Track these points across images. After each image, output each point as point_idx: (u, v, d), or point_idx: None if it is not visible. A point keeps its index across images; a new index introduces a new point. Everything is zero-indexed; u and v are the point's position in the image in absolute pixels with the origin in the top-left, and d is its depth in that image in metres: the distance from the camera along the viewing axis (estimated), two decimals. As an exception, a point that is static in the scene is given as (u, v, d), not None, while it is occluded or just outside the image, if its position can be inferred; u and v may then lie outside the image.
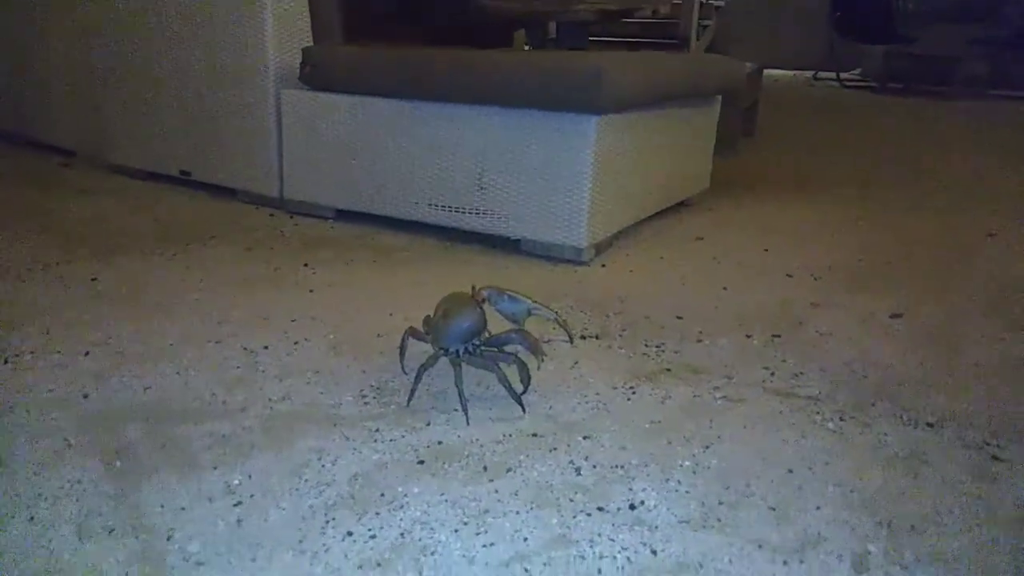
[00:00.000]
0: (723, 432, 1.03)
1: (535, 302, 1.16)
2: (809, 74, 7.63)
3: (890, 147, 3.75)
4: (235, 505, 0.84)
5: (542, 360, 1.10)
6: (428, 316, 1.13)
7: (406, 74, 1.80)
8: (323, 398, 1.07)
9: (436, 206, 1.85)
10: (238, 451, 0.94)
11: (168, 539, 0.78)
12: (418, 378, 1.04)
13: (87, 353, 1.19)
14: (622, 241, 1.88)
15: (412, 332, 1.12)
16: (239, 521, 0.81)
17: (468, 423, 1.01)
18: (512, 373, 1.05)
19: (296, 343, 1.25)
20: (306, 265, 1.65)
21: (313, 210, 2.04)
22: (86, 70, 2.44)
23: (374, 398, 1.08)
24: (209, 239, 1.81)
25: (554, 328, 1.29)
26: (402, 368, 1.14)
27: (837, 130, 4.31)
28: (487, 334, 1.08)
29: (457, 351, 1.04)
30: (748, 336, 1.36)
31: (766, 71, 4.38)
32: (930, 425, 1.08)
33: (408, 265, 1.69)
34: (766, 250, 1.86)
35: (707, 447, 0.99)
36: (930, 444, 1.03)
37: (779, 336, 1.36)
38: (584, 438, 1.00)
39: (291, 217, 2.03)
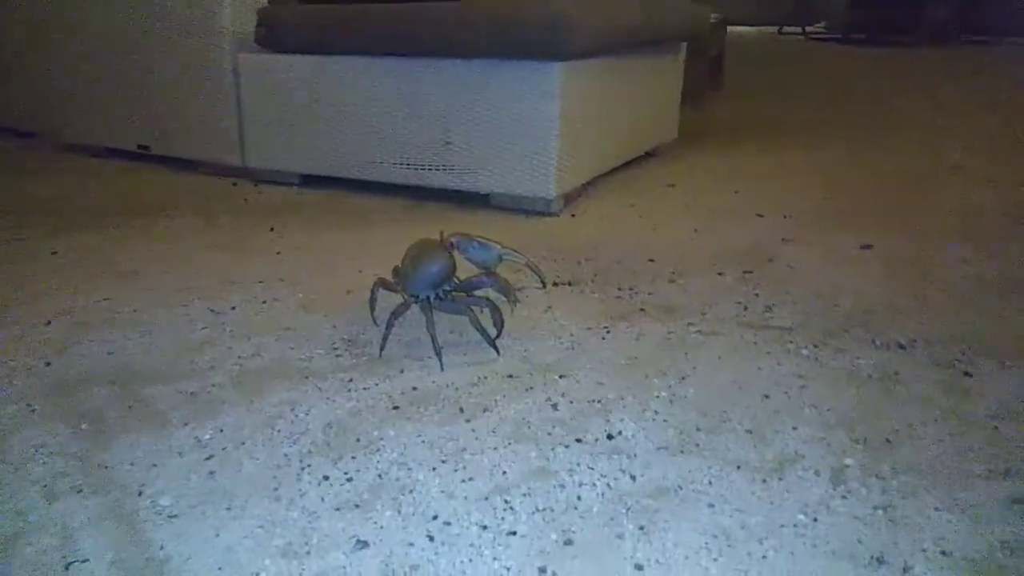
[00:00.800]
0: (699, 364, 1.03)
1: (505, 248, 1.14)
2: (774, 29, 7.62)
3: (856, 94, 3.76)
4: (207, 459, 0.82)
5: (515, 304, 1.09)
6: (397, 266, 1.11)
7: (365, 29, 1.76)
8: (294, 353, 1.06)
9: (403, 165, 1.82)
10: (208, 407, 0.92)
11: (139, 495, 0.77)
12: (389, 326, 1.02)
13: (48, 323, 1.16)
14: (592, 191, 1.87)
15: (382, 283, 1.11)
16: (211, 473, 0.80)
17: (442, 368, 1.00)
18: (485, 317, 1.04)
19: (264, 303, 1.23)
20: (272, 230, 1.62)
21: (278, 177, 2.00)
22: (39, 48, 2.36)
23: (346, 350, 1.06)
24: (172, 211, 1.77)
25: (526, 275, 1.28)
26: (373, 320, 1.12)
27: (803, 81, 4.31)
28: (457, 279, 1.07)
29: (427, 297, 1.03)
30: (720, 274, 1.35)
31: (732, 27, 4.36)
32: (902, 347, 1.09)
33: (377, 225, 1.66)
34: (736, 192, 1.86)
35: (683, 378, 0.99)
36: (903, 364, 1.03)
37: (751, 272, 1.36)
38: (560, 377, 0.99)
39: (255, 185, 1.99)
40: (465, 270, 1.08)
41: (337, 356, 1.05)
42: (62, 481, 0.79)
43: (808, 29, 7.23)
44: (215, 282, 1.32)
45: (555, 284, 1.32)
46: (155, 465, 0.81)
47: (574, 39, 1.55)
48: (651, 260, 1.42)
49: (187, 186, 1.99)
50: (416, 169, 1.80)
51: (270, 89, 1.93)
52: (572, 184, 1.75)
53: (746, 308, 1.22)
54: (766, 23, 7.80)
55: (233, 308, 1.20)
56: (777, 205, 1.76)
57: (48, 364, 1.03)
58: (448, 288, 1.05)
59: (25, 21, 2.38)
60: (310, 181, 1.97)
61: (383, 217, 1.72)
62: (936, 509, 0.74)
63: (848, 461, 0.82)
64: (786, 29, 7.42)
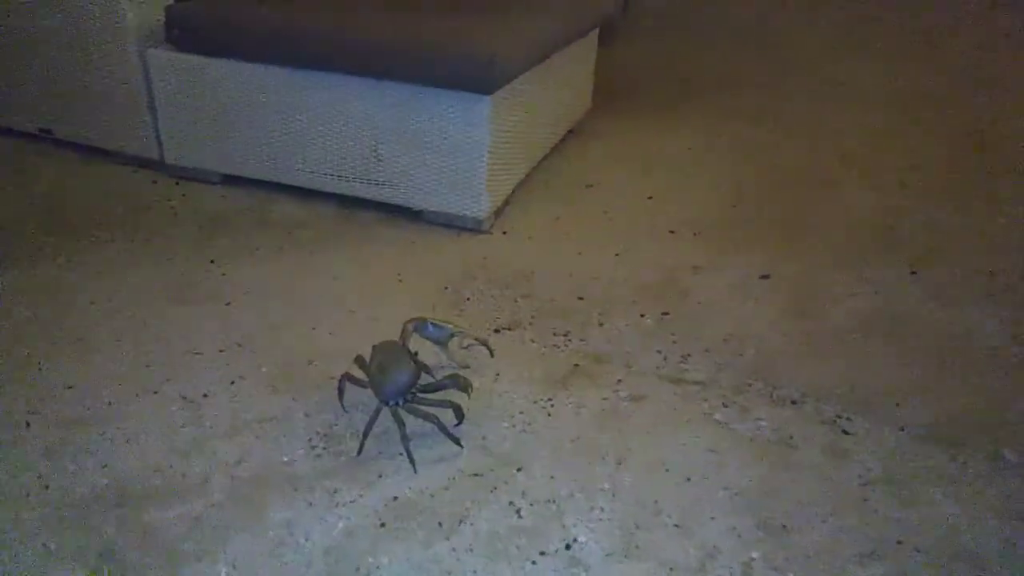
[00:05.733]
0: (632, 443, 1.21)
1: (456, 327, 1.29)
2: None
3: (758, 39, 3.85)
4: (229, 600, 0.96)
5: (470, 393, 1.23)
6: (360, 356, 1.22)
7: (283, 43, 1.73)
8: (276, 455, 1.17)
9: (333, 175, 1.85)
10: (215, 535, 1.03)
11: (179, 648, 0.90)
12: (365, 435, 1.14)
13: (28, 425, 1.21)
14: (518, 196, 1.96)
15: (349, 378, 1.22)
16: (238, 619, 0.93)
17: (416, 471, 1.14)
18: (447, 415, 1.18)
19: (232, 383, 1.31)
20: (212, 262, 1.65)
21: (198, 175, 1.99)
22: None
23: (324, 448, 1.18)
24: (98, 227, 1.75)
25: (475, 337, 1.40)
26: (343, 408, 1.24)
27: (713, 13, 4.34)
28: (428, 373, 1.20)
29: (397, 402, 1.15)
30: (642, 316, 1.52)
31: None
32: (794, 403, 1.30)
33: (316, 252, 1.71)
34: (650, 198, 2.00)
35: (619, 463, 1.17)
36: (794, 424, 1.25)
37: (668, 314, 1.53)
38: (518, 470, 1.15)
39: (176, 183, 1.98)
40: (424, 349, 1.20)
41: (317, 456, 1.17)
42: (105, 639, 0.91)
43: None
44: (177, 353, 1.38)
45: (496, 331, 1.46)
46: (183, 611, 0.94)
47: (503, 75, 1.60)
48: (580, 298, 1.57)
49: (105, 183, 1.95)
50: (347, 180, 1.84)
51: (186, 89, 1.87)
52: (501, 197, 1.84)
53: (665, 359, 1.40)
54: None
55: (205, 395, 1.28)
56: (686, 214, 1.91)
57: (47, 487, 1.10)
58: (414, 391, 1.17)
59: None
60: (232, 180, 1.97)
61: (318, 234, 1.77)
62: (819, 611, 0.97)
63: (754, 554, 1.04)
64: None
